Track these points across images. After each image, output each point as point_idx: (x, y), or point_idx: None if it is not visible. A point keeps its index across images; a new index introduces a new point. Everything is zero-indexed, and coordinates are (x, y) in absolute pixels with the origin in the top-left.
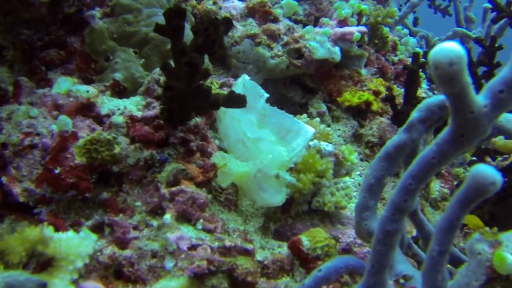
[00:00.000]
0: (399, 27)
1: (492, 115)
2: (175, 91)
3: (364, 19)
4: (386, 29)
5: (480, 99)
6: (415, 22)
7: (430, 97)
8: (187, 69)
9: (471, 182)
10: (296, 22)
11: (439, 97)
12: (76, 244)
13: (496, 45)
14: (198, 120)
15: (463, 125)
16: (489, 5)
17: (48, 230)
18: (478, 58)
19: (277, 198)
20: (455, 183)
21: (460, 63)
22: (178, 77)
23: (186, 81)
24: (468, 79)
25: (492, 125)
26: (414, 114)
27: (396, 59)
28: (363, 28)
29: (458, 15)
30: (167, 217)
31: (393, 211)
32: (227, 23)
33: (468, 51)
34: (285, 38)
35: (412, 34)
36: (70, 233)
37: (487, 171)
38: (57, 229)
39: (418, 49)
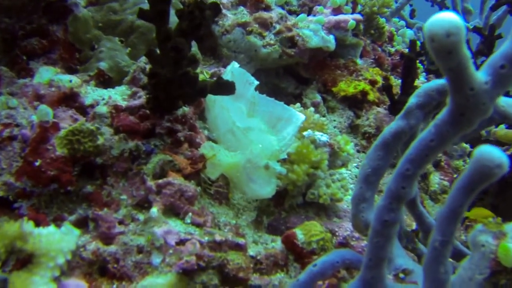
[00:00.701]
0: (395, 19)
1: (494, 92)
2: (160, 78)
3: (359, 7)
4: (382, 20)
5: (480, 75)
6: (412, 14)
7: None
8: (172, 55)
9: (475, 165)
10: (289, 12)
11: (437, 82)
12: (57, 239)
13: (495, 34)
14: (186, 109)
15: (463, 103)
16: None
17: (28, 225)
18: (477, 48)
19: (266, 189)
20: (454, 175)
21: (458, 34)
22: (164, 64)
23: (172, 67)
24: (467, 52)
25: (493, 105)
26: (412, 100)
27: (393, 50)
28: (358, 16)
29: (455, 7)
30: (154, 210)
31: (390, 200)
32: (215, 7)
33: (467, 42)
34: (278, 27)
35: (408, 26)
36: (51, 228)
37: (493, 153)
38: (38, 224)
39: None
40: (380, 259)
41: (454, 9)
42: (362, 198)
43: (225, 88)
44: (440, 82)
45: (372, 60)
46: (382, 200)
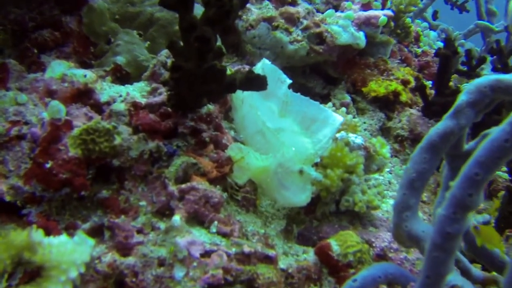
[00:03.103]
0: (418, 21)
1: None
2: (184, 73)
3: (389, 3)
4: (408, 19)
5: None
6: (435, 16)
7: (480, 78)
8: (197, 45)
9: None
10: None
11: (490, 77)
12: (69, 250)
13: None
14: (211, 107)
15: None
16: None
17: (37, 234)
18: (511, 47)
19: (300, 197)
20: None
21: None
22: (188, 56)
23: (197, 60)
24: None
25: None
26: (462, 97)
27: (419, 50)
28: (389, 12)
29: (479, 8)
30: (176, 218)
31: (454, 209)
32: None
33: (498, 43)
34: (305, 22)
35: (431, 27)
36: (63, 238)
37: None
38: (48, 233)
39: (439, 43)
40: (440, 277)
41: (478, 11)
42: (406, 205)
43: (256, 83)
44: (493, 77)
45: (398, 61)
46: (444, 209)
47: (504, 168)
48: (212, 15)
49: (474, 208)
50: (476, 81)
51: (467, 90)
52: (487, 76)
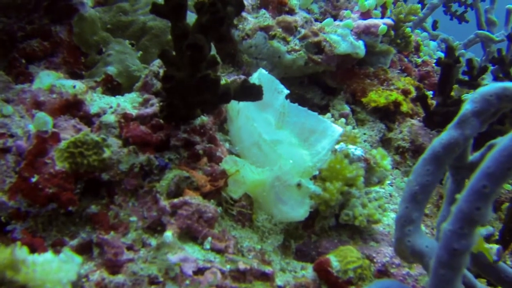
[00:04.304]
0: (417, 31)
1: None
2: (176, 83)
3: (388, 12)
4: (408, 29)
5: None
6: (434, 26)
7: (485, 86)
8: (189, 53)
9: None
10: None
11: (496, 85)
12: (55, 268)
13: None
14: (204, 119)
15: None
16: None
17: (21, 252)
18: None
19: (299, 211)
20: None
21: None
22: (180, 66)
23: (190, 70)
24: None
25: None
26: (467, 106)
27: (419, 60)
28: (389, 21)
29: (479, 18)
30: (168, 234)
31: (461, 223)
32: (238, 3)
33: (499, 51)
34: (303, 31)
35: (431, 38)
36: (49, 255)
37: None
38: (34, 250)
39: (439, 53)
40: None
41: (478, 21)
42: (408, 219)
43: (252, 92)
44: (499, 85)
45: (398, 71)
46: (450, 223)
47: None
48: (205, 21)
49: (482, 222)
50: (481, 90)
51: (472, 98)
52: (493, 84)
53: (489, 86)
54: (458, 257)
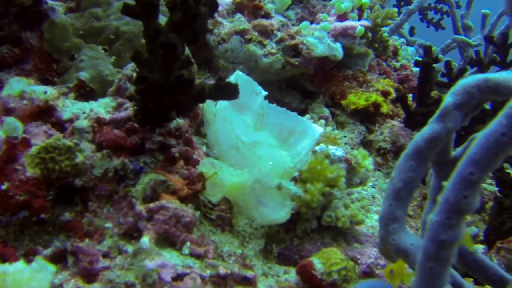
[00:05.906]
0: (395, 36)
1: None
2: (149, 84)
3: (365, 15)
4: (386, 34)
5: None
6: (411, 32)
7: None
8: (162, 53)
9: None
10: None
11: (477, 77)
12: (26, 278)
13: (509, 42)
14: (180, 121)
15: None
16: (488, 11)
17: None
18: (490, 58)
19: (279, 213)
20: None
21: None
22: (153, 67)
23: (163, 70)
24: None
25: None
26: (448, 99)
27: (397, 64)
28: (366, 22)
29: (455, 23)
30: (145, 240)
31: (448, 213)
32: (211, 3)
33: (477, 52)
34: (279, 34)
35: (409, 43)
36: (20, 265)
37: None
38: (5, 260)
39: (417, 58)
40: None
41: (454, 26)
42: (392, 217)
43: (227, 91)
44: (481, 76)
45: (377, 75)
46: (436, 215)
47: (489, 180)
48: (178, 19)
49: (470, 211)
50: (463, 81)
51: (453, 91)
52: (474, 76)
53: (470, 78)
54: (446, 249)
